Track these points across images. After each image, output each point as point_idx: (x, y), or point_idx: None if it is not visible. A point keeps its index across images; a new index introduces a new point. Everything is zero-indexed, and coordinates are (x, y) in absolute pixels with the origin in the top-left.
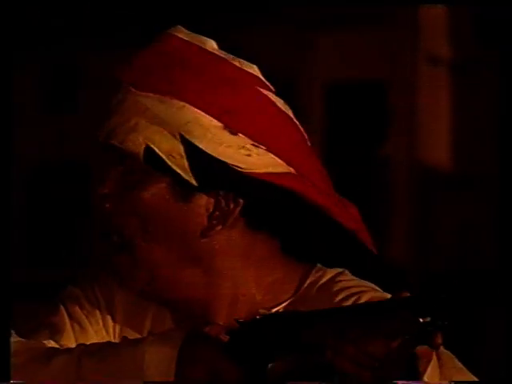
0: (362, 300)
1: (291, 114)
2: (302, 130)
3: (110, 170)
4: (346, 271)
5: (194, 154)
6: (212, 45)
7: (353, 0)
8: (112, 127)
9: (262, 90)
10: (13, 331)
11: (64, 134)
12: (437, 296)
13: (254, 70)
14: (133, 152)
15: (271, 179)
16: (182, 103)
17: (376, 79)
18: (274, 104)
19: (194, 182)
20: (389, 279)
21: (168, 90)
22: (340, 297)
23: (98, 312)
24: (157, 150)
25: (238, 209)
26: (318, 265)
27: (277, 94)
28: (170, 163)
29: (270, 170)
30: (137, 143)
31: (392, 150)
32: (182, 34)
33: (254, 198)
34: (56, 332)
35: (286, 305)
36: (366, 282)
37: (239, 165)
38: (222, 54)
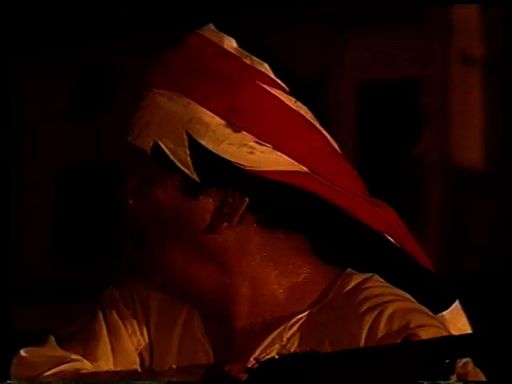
0: (385, 314)
1: (306, 114)
2: (321, 130)
3: (134, 167)
4: (376, 276)
5: (197, 151)
6: (230, 43)
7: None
8: (131, 125)
9: (270, 88)
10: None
11: (96, 136)
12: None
13: (265, 67)
14: (142, 148)
15: (274, 176)
16: (187, 100)
17: (409, 78)
18: (282, 102)
19: (197, 179)
20: (423, 284)
21: (177, 88)
22: (364, 307)
23: (133, 315)
24: (163, 147)
25: (244, 206)
26: (349, 269)
27: (310, 93)
28: (174, 159)
29: (277, 167)
30: (146, 140)
31: (425, 150)
32: (208, 32)
33: (259, 196)
34: (91, 339)
35: (311, 310)
36: (394, 289)
37: (242, 162)
38: (237, 51)
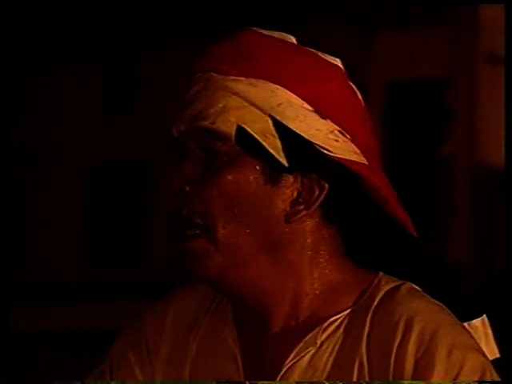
0: (415, 330)
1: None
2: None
3: (188, 155)
4: (409, 284)
5: (286, 135)
6: (292, 39)
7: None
8: (197, 112)
9: (349, 82)
10: None
11: (124, 135)
12: None
13: (338, 62)
14: (224, 132)
15: (353, 166)
16: (275, 86)
17: (436, 78)
18: (357, 97)
19: (285, 162)
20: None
21: (260, 74)
22: (396, 317)
23: (143, 358)
24: (249, 130)
25: (323, 194)
26: (381, 273)
27: None
28: (263, 143)
29: (354, 158)
30: (228, 124)
31: (452, 150)
32: (261, 31)
33: (338, 185)
34: None
35: (345, 313)
36: (427, 298)
37: (329, 148)
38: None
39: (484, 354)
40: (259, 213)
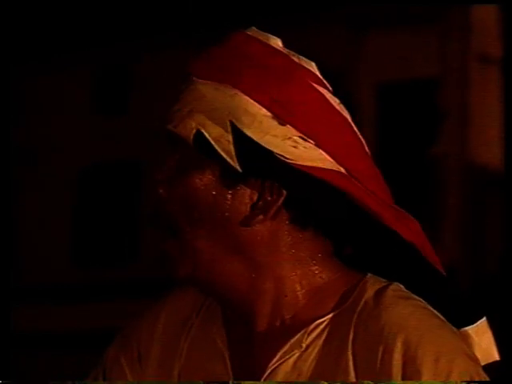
0: (401, 336)
1: (347, 116)
2: (358, 134)
3: (167, 157)
4: (396, 285)
5: (241, 141)
6: (276, 41)
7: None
8: (171, 114)
9: (317, 86)
10: None
11: (115, 135)
12: None
13: (312, 66)
14: (184, 136)
15: (317, 173)
16: (234, 91)
17: (427, 78)
18: (327, 102)
19: (238, 168)
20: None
21: (224, 78)
22: (382, 321)
23: (136, 365)
24: (206, 135)
25: (281, 200)
26: (369, 274)
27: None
28: (217, 148)
29: (317, 164)
30: (188, 128)
31: (444, 150)
32: (253, 32)
33: (298, 191)
34: None
35: (331, 315)
36: (415, 300)
37: (285, 155)
38: (283, 50)
39: (473, 358)
40: (218, 216)
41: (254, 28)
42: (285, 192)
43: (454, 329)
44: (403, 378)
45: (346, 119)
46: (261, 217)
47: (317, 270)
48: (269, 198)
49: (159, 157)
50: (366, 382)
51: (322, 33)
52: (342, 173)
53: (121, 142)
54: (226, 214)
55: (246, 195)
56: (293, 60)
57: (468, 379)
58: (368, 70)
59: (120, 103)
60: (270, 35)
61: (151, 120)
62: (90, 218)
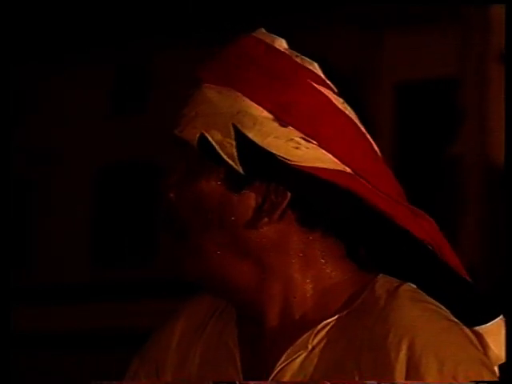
0: (403, 344)
1: (352, 116)
2: (365, 134)
3: (178, 162)
4: (408, 285)
5: (244, 144)
6: (281, 43)
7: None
8: (178, 118)
9: (319, 87)
10: None
11: (133, 135)
12: None
13: (315, 67)
14: (189, 140)
15: (320, 174)
16: (236, 93)
17: (446, 78)
18: (330, 102)
19: (241, 170)
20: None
21: (227, 82)
22: (390, 322)
23: (153, 379)
24: (210, 139)
25: (285, 202)
26: (381, 275)
27: (345, 94)
28: (220, 151)
29: (320, 164)
30: (193, 132)
31: (463, 150)
32: (260, 34)
33: (302, 192)
34: None
35: (339, 316)
36: (425, 302)
37: (287, 157)
38: (287, 51)
39: (481, 361)
40: (225, 219)
41: (262, 29)
42: (289, 194)
43: (466, 330)
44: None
45: (350, 119)
46: (266, 219)
47: (326, 270)
48: (273, 201)
49: (172, 160)
50: (369, 382)
51: (340, 33)
52: (347, 173)
53: (139, 143)
54: (233, 217)
55: (251, 198)
56: (295, 61)
57: (473, 383)
58: (387, 69)
59: (138, 103)
60: (275, 36)
61: (169, 120)
62: (104, 218)
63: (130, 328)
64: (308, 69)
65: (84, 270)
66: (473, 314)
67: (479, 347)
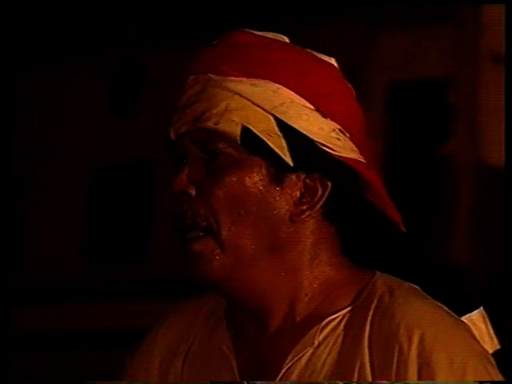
0: (414, 339)
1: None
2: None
3: (189, 157)
4: (407, 283)
5: (290, 134)
6: (285, 39)
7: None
8: (199, 113)
9: (344, 80)
10: None
11: (127, 135)
12: None
13: (334, 62)
14: (228, 133)
15: (356, 165)
16: (276, 85)
17: (438, 78)
18: (354, 96)
19: (290, 161)
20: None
21: (260, 74)
22: (397, 319)
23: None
24: (254, 130)
25: (327, 193)
26: (378, 272)
27: None
28: (268, 142)
29: (354, 156)
30: (232, 124)
31: (455, 149)
32: (250, 31)
33: (343, 183)
34: None
35: (343, 312)
36: (424, 303)
37: (331, 146)
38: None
39: (487, 358)
40: (264, 213)
41: (244, 29)
42: (330, 184)
43: (468, 326)
44: (418, 379)
45: (362, 112)
46: (307, 212)
47: (332, 267)
48: (314, 192)
49: (167, 160)
50: (381, 382)
51: (332, 32)
52: (366, 165)
53: (133, 142)
54: (274, 210)
55: (294, 190)
56: (316, 56)
57: (482, 380)
58: (379, 68)
59: (132, 104)
60: (277, 34)
61: (159, 121)
62: (101, 218)
63: (130, 328)
64: (331, 63)
65: (79, 270)
66: (457, 306)
67: (481, 343)
